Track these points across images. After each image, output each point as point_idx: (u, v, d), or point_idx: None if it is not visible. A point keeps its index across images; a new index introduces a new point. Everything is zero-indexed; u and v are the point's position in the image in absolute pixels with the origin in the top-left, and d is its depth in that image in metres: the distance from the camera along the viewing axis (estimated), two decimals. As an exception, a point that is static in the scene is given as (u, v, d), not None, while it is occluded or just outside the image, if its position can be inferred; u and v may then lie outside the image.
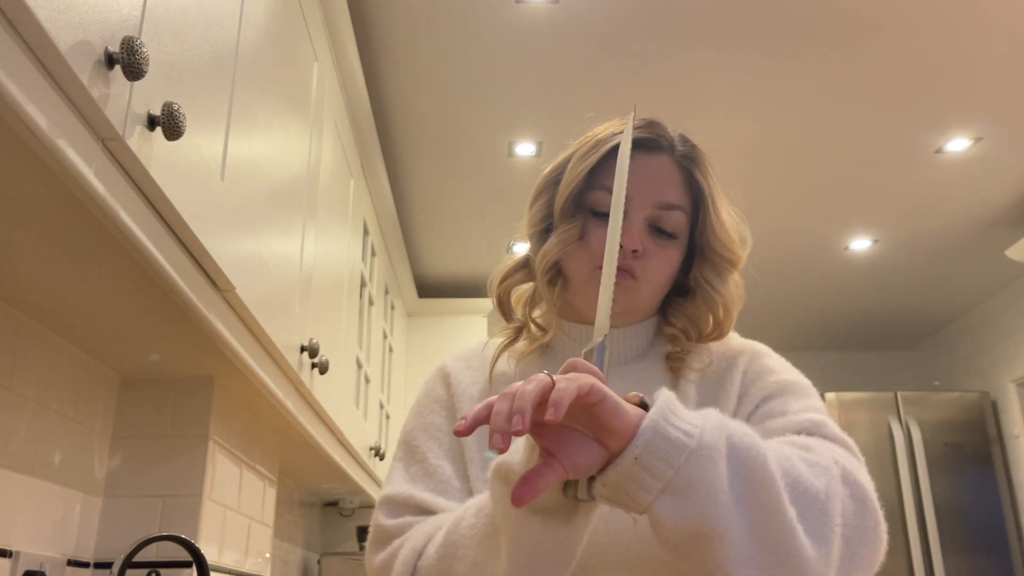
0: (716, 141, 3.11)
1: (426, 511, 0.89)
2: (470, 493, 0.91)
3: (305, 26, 1.80)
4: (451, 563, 0.77)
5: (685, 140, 0.98)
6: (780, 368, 0.94)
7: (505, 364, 0.99)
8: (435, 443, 0.95)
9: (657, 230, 0.93)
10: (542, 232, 0.98)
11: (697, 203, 0.96)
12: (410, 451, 0.97)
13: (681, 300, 0.99)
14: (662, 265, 0.94)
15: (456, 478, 0.92)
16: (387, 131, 3.03)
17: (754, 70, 2.73)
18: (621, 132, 0.94)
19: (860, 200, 3.61)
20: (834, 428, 0.83)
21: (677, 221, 0.94)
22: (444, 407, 0.98)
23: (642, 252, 0.92)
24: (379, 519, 0.92)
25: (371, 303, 2.96)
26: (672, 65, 2.69)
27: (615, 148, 0.92)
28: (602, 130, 0.97)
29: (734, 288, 0.98)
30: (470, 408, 0.93)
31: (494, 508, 0.72)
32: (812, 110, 2.95)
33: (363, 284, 2.77)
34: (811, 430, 0.81)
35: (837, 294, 4.68)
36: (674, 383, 0.93)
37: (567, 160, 0.98)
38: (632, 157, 0.91)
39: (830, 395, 4.53)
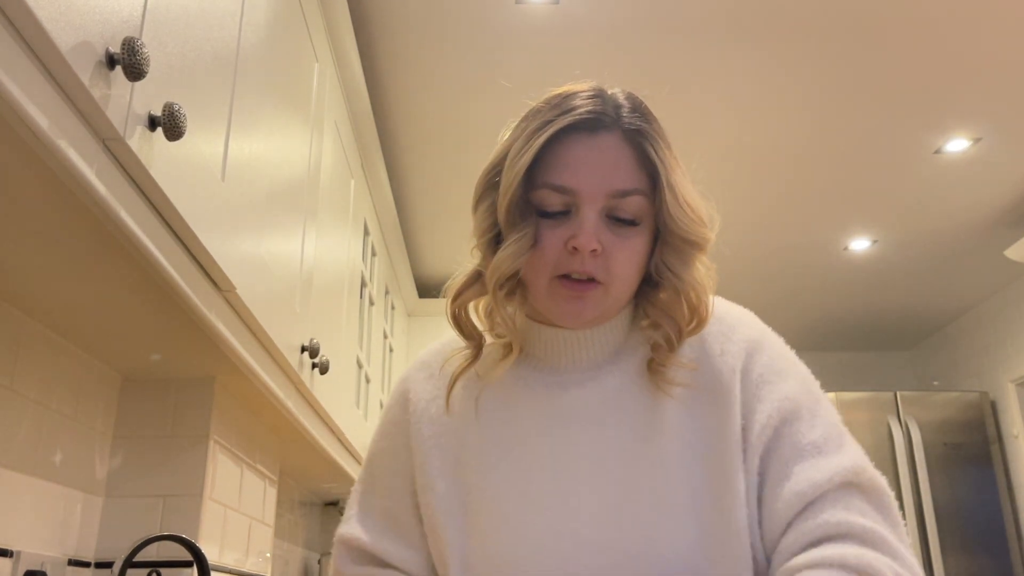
0: (716, 141, 3.12)
1: (380, 562, 0.92)
2: (420, 525, 0.92)
3: (305, 26, 1.80)
4: None
5: (634, 108, 0.86)
6: (783, 368, 0.87)
7: (462, 386, 0.92)
8: (390, 474, 0.95)
9: (616, 219, 0.83)
10: (491, 241, 0.87)
11: (655, 179, 0.84)
12: (369, 480, 0.98)
13: (651, 288, 0.90)
14: (627, 259, 0.84)
15: (407, 514, 0.93)
16: (387, 131, 3.03)
17: (754, 70, 2.73)
18: (555, 119, 0.84)
19: (859, 200, 3.61)
20: (869, 472, 0.80)
21: (636, 206, 0.83)
22: (401, 431, 0.95)
23: (602, 250, 0.82)
24: (339, 566, 0.95)
25: (371, 303, 2.96)
26: (672, 65, 2.69)
27: (551, 139, 0.83)
28: (538, 109, 0.87)
29: (703, 272, 0.88)
30: (428, 429, 0.92)
31: None
32: (812, 110, 2.95)
33: (363, 284, 2.77)
34: (854, 482, 0.78)
35: (836, 294, 4.68)
36: (654, 400, 0.86)
37: (503, 156, 0.87)
38: (574, 142, 0.84)
39: (830, 395, 4.50)
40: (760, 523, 0.80)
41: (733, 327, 0.90)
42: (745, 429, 0.83)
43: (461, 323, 0.92)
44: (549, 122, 0.84)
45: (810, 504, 0.77)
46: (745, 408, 0.84)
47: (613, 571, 0.80)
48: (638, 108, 0.86)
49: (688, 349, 0.88)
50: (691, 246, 0.86)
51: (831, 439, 0.81)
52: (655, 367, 0.87)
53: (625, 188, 0.83)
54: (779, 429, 0.82)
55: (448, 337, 0.98)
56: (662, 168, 0.84)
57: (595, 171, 0.83)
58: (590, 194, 0.82)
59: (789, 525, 0.78)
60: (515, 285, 0.88)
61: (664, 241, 0.86)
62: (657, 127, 0.86)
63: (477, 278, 0.90)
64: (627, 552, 0.80)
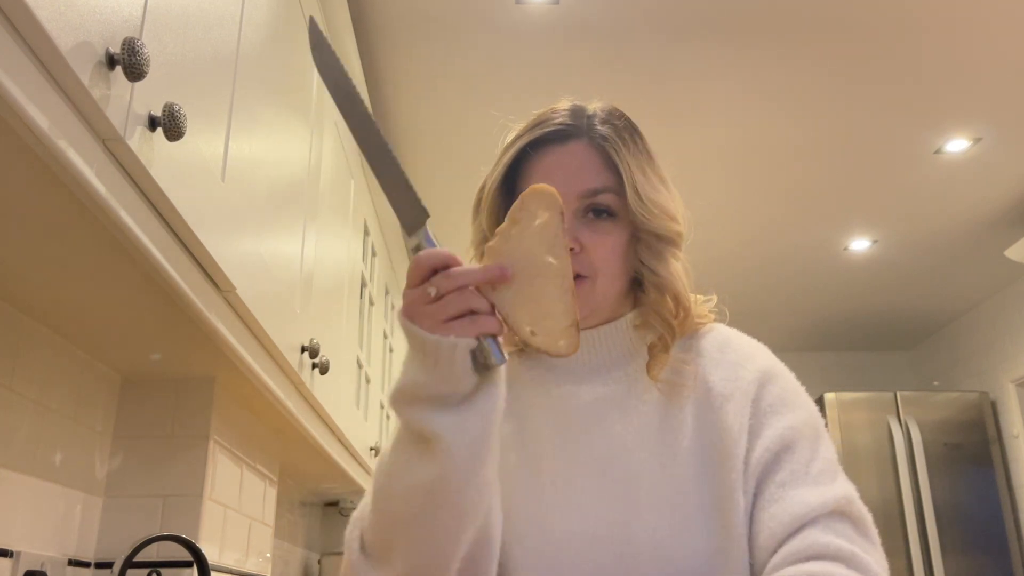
0: (716, 141, 3.12)
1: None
2: None
3: (306, 27, 1.80)
4: (381, 490, 0.79)
5: (606, 119, 0.92)
6: (792, 401, 0.90)
7: None
8: None
9: (592, 214, 0.89)
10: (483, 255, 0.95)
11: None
12: None
13: (640, 292, 0.95)
14: (608, 253, 0.89)
15: None
16: (387, 131, 3.03)
17: (754, 70, 2.73)
18: (526, 133, 0.93)
19: (860, 200, 3.61)
20: (858, 504, 0.83)
21: (609, 201, 0.90)
22: None
23: (581, 248, 0.88)
24: (347, 542, 0.89)
25: (371, 303, 2.96)
26: (672, 65, 2.69)
27: (529, 153, 0.91)
28: (518, 129, 0.94)
29: (679, 266, 0.94)
30: None
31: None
32: (812, 110, 2.95)
33: (363, 284, 2.77)
34: (845, 510, 0.81)
35: (836, 294, 4.68)
36: (664, 408, 0.89)
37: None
38: (546, 153, 0.91)
39: (829, 395, 4.53)
40: (751, 539, 0.84)
41: (749, 356, 0.94)
42: (748, 451, 0.86)
43: None
44: (521, 136, 0.93)
45: (803, 526, 0.80)
46: (751, 434, 0.87)
47: (621, 571, 0.82)
48: (611, 118, 0.92)
49: (702, 369, 0.91)
50: (662, 241, 0.91)
51: (826, 472, 0.85)
52: (652, 367, 0.90)
53: (594, 187, 0.89)
54: (779, 454, 0.85)
55: None
56: (624, 169, 0.89)
57: (565, 175, 0.89)
58: (563, 197, 0.87)
59: (781, 543, 0.81)
60: None
61: (638, 239, 0.91)
62: (628, 132, 0.92)
63: None
64: (635, 554, 0.82)
